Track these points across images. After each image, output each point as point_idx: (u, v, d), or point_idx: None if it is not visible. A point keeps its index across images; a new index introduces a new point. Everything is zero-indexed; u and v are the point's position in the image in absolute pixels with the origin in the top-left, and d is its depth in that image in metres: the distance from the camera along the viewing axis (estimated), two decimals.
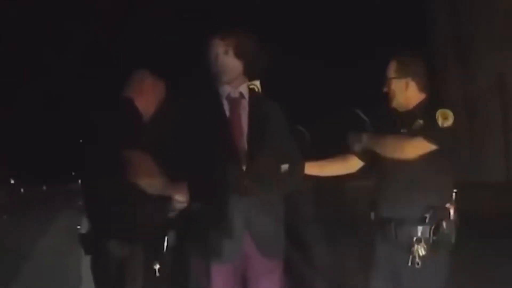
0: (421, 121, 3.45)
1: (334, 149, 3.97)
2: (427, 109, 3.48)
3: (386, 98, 3.60)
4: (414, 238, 3.31)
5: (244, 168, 3.23)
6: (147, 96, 3.56)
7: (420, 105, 3.54)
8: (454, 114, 3.41)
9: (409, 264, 3.29)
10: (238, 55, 3.37)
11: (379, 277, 3.50)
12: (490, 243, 6.35)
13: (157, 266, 3.28)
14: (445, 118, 3.38)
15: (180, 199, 3.22)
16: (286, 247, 3.38)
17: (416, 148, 3.39)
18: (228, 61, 3.36)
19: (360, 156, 3.69)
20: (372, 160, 3.62)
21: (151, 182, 3.20)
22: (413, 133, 3.40)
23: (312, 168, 3.68)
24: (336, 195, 4.14)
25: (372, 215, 3.58)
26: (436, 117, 3.38)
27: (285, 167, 3.37)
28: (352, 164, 3.76)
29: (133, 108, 3.46)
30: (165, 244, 3.29)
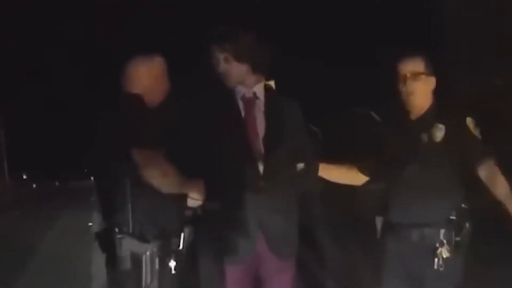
0: (441, 126, 3.41)
1: (345, 149, 3.96)
2: (444, 112, 3.45)
3: (400, 97, 3.55)
4: (438, 241, 3.30)
5: (260, 168, 3.19)
6: (149, 81, 3.34)
7: (432, 108, 3.51)
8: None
9: (435, 267, 3.28)
10: (239, 59, 3.28)
11: (394, 282, 3.47)
12: (497, 242, 6.33)
13: (173, 264, 3.28)
14: (475, 126, 3.37)
15: (196, 196, 3.20)
16: (299, 248, 3.35)
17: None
18: (229, 67, 3.28)
19: (364, 172, 3.68)
20: (378, 174, 3.59)
21: (164, 181, 3.19)
22: (440, 142, 3.37)
23: (322, 170, 3.67)
24: (346, 197, 4.11)
25: (379, 220, 3.56)
26: (468, 124, 3.36)
27: (300, 166, 3.33)
28: (359, 177, 3.69)
29: (135, 102, 3.39)
30: (181, 241, 3.29)
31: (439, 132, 3.38)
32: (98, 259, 3.47)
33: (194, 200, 3.21)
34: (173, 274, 3.24)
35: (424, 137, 3.38)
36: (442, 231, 3.30)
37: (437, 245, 3.28)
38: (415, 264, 3.36)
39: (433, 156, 3.36)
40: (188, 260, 3.34)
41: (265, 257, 3.24)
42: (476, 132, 3.38)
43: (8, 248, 9.14)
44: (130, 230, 3.17)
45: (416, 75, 3.42)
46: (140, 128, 3.22)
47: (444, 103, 3.51)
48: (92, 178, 3.78)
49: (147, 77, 3.39)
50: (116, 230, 3.18)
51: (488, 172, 3.31)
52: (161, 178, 3.15)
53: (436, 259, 3.27)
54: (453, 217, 3.32)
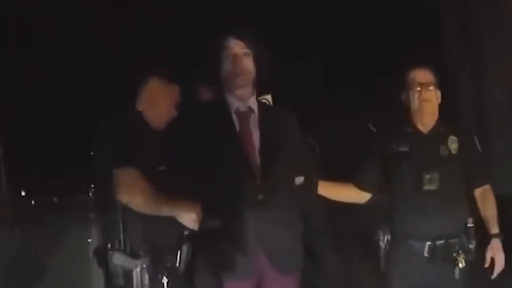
0: (455, 138, 3.43)
1: (344, 163, 3.94)
2: (453, 125, 3.47)
3: (404, 108, 3.54)
4: (455, 251, 3.30)
5: (258, 182, 3.17)
6: (158, 104, 3.49)
7: (441, 120, 3.51)
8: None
9: (456, 277, 3.29)
10: (255, 59, 3.28)
11: None
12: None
13: (165, 280, 3.25)
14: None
15: (188, 220, 3.17)
16: (302, 263, 3.32)
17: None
18: (246, 63, 3.26)
19: (366, 188, 3.65)
20: (380, 190, 3.58)
21: (144, 202, 3.17)
22: (456, 154, 3.39)
23: (323, 189, 3.64)
24: (350, 211, 4.08)
25: (381, 234, 3.54)
26: (475, 140, 3.41)
27: (299, 179, 3.33)
28: (361, 195, 3.71)
29: (137, 123, 3.41)
30: (178, 259, 3.26)
31: (455, 144, 3.40)
32: (97, 275, 3.45)
33: (188, 222, 3.18)
34: None
35: (443, 148, 3.40)
36: (460, 240, 3.32)
37: (455, 254, 3.30)
38: (431, 276, 3.35)
39: (450, 166, 3.38)
40: (184, 276, 3.31)
41: (267, 272, 3.22)
42: (480, 149, 3.45)
43: (7, 264, 9.09)
44: (122, 246, 3.16)
45: (430, 84, 3.44)
46: (133, 148, 3.22)
47: (452, 117, 3.55)
48: (90, 193, 3.77)
49: (160, 100, 3.46)
50: (109, 246, 3.18)
51: (483, 193, 3.53)
52: (137, 198, 3.14)
53: (456, 269, 3.29)
54: (471, 225, 3.35)
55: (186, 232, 3.27)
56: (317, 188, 3.54)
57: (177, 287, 3.30)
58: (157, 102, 3.49)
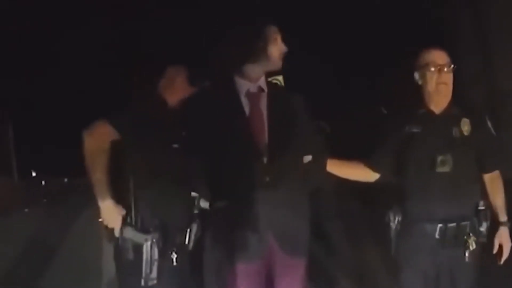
0: (467, 120, 3.41)
1: (355, 144, 3.93)
2: (465, 106, 3.45)
3: (419, 90, 3.52)
4: (466, 233, 3.29)
5: (265, 163, 3.21)
6: (178, 91, 3.60)
7: (454, 103, 3.49)
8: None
9: (466, 260, 3.29)
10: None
11: (416, 279, 3.47)
12: None
13: (174, 256, 3.28)
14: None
15: (109, 217, 3.30)
16: (310, 245, 3.37)
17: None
18: (282, 48, 3.35)
19: (377, 169, 3.65)
20: (391, 171, 3.56)
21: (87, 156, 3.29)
22: (469, 135, 3.40)
23: (332, 166, 3.65)
24: (360, 192, 4.07)
25: (391, 215, 3.54)
26: (487, 122, 3.39)
27: (308, 158, 3.35)
28: (370, 174, 3.72)
29: (156, 101, 3.45)
30: (187, 237, 3.29)
31: (467, 126, 3.39)
32: (108, 253, 3.48)
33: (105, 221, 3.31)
34: (174, 266, 3.25)
35: (456, 130, 3.38)
36: (471, 222, 3.32)
37: (465, 237, 3.29)
38: (442, 259, 3.35)
39: (463, 148, 3.37)
40: (193, 255, 3.34)
41: (275, 255, 3.27)
42: (492, 130, 3.42)
43: (19, 245, 9.15)
44: (133, 222, 3.20)
45: (447, 66, 3.42)
46: (145, 122, 3.24)
47: (464, 98, 3.52)
48: None
49: (178, 85, 3.59)
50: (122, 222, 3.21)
51: (492, 179, 3.58)
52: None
53: (466, 251, 3.29)
54: (482, 207, 3.35)
55: (196, 211, 3.30)
56: (325, 166, 3.56)
57: (186, 263, 3.32)
58: (173, 82, 3.63)
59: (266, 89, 3.37)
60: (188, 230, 3.31)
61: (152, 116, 3.34)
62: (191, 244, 3.34)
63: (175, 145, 3.30)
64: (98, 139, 3.29)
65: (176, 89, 3.61)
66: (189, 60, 3.70)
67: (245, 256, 3.22)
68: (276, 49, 3.32)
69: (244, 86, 3.34)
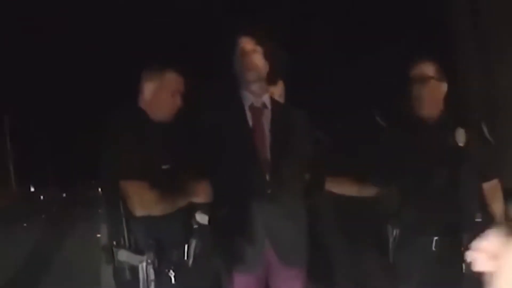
0: (461, 130, 3.40)
1: (351, 154, 3.93)
2: (461, 115, 3.45)
3: (410, 102, 3.51)
4: (463, 246, 3.29)
5: (267, 177, 3.20)
6: (161, 96, 3.33)
7: (447, 112, 3.48)
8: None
9: (464, 271, 3.27)
10: (266, 56, 3.32)
11: None
12: None
13: (172, 274, 3.27)
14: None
15: (201, 200, 3.25)
16: (308, 256, 3.34)
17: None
18: (255, 58, 3.31)
19: (374, 181, 3.64)
20: (389, 182, 3.56)
21: (162, 208, 3.19)
22: (464, 146, 3.36)
23: (331, 184, 3.63)
24: (358, 205, 4.05)
25: (390, 228, 3.53)
26: (483, 128, 3.38)
27: (307, 176, 3.36)
28: (369, 188, 3.68)
29: (139, 121, 3.33)
30: (186, 253, 3.28)
31: (462, 136, 3.38)
32: (107, 269, 3.47)
33: (199, 201, 3.23)
34: (173, 284, 3.23)
35: (448, 141, 3.38)
36: (468, 235, 3.30)
37: (462, 249, 3.28)
38: (439, 271, 3.34)
39: (458, 159, 3.36)
40: (193, 270, 3.33)
41: (274, 266, 3.25)
42: (489, 137, 3.41)
43: (17, 260, 9.14)
44: (126, 243, 3.17)
45: (425, 79, 3.41)
46: (136, 154, 3.17)
47: (459, 108, 3.51)
48: (99, 189, 3.77)
49: (155, 92, 3.36)
50: (114, 242, 3.18)
51: (491, 188, 3.49)
52: (148, 208, 3.15)
53: (463, 264, 3.27)
54: (479, 219, 3.34)
55: (195, 226, 3.29)
56: (324, 184, 3.55)
57: (186, 280, 3.31)
58: (159, 94, 3.34)
59: (269, 106, 3.37)
60: (187, 246, 3.29)
61: (136, 133, 3.26)
62: (191, 260, 3.32)
63: (165, 166, 3.26)
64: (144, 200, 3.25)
65: (161, 102, 3.36)
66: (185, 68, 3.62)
67: (244, 266, 3.20)
68: (243, 60, 3.31)
69: (248, 99, 3.35)
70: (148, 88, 3.34)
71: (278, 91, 3.65)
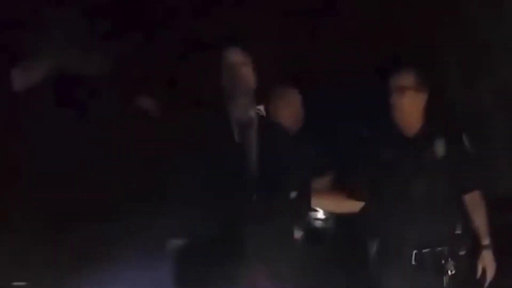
0: (441, 141, 3.37)
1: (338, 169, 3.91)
2: (440, 128, 3.42)
3: (392, 112, 3.49)
4: (444, 258, 3.27)
5: (254, 197, 3.17)
6: None
7: (428, 123, 3.46)
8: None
9: (445, 285, 3.25)
10: (255, 69, 3.29)
11: None
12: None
13: None
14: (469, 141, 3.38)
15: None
16: (297, 276, 3.32)
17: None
18: (245, 71, 3.26)
19: (359, 197, 3.62)
20: (373, 197, 3.53)
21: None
22: (442, 158, 3.37)
23: (317, 201, 3.61)
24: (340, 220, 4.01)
25: (370, 241, 3.51)
26: (464, 139, 3.36)
27: (293, 194, 3.31)
28: (354, 204, 3.66)
29: None
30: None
31: (441, 147, 3.36)
32: None
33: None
34: None
35: (427, 153, 3.35)
36: (448, 247, 3.28)
37: (443, 262, 3.26)
38: (420, 285, 3.32)
39: (437, 171, 3.34)
40: None
41: (262, 285, 3.21)
42: (470, 147, 3.39)
43: None
44: None
45: (404, 90, 3.38)
46: None
47: (440, 118, 3.49)
48: None
49: None
50: None
51: (472, 200, 3.46)
52: None
53: (444, 277, 3.25)
54: (459, 232, 3.31)
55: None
56: (310, 202, 3.51)
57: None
58: None
59: (255, 120, 3.32)
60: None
61: None
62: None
63: None
64: None
65: None
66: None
67: (231, 284, 3.16)
68: (232, 73, 3.27)
69: (235, 114, 3.28)
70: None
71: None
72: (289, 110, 3.82)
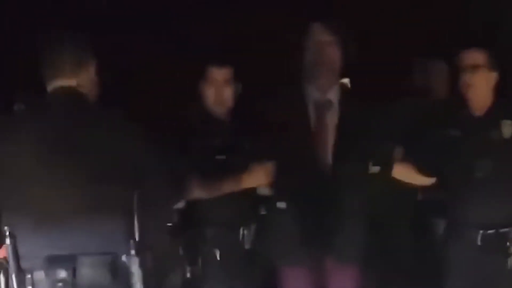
0: (509, 122, 3.33)
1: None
2: (509, 107, 3.37)
3: (460, 92, 3.41)
4: (509, 241, 3.24)
5: (327, 180, 3.14)
6: (219, 92, 3.29)
7: (497, 103, 3.41)
8: None
9: (509, 267, 3.23)
10: (341, 47, 3.16)
11: (462, 286, 3.37)
12: None
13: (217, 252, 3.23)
14: None
15: (262, 176, 3.15)
16: (363, 254, 3.33)
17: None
18: (331, 51, 3.13)
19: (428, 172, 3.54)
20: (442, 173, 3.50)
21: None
22: (508, 140, 3.29)
23: (397, 173, 3.54)
24: (405, 199, 3.98)
25: (440, 222, 3.49)
26: None
27: (375, 169, 3.26)
28: (425, 178, 3.57)
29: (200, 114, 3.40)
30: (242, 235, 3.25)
31: (508, 129, 3.31)
32: None
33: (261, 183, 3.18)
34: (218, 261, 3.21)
35: (494, 133, 3.31)
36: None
37: (508, 244, 3.23)
38: (486, 266, 3.29)
39: (504, 152, 3.29)
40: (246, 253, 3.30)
41: (327, 260, 3.23)
42: None
43: None
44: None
45: (475, 68, 3.33)
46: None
47: (509, 99, 3.43)
48: None
49: (220, 87, 3.32)
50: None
51: None
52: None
53: (508, 259, 3.23)
54: None
55: (263, 212, 3.30)
56: (390, 176, 3.43)
57: (233, 263, 3.26)
58: (218, 90, 3.30)
59: (336, 101, 3.21)
60: (243, 229, 3.23)
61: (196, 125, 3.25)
62: (247, 244, 3.27)
63: (221, 157, 3.20)
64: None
65: (220, 97, 3.30)
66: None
67: (297, 259, 3.19)
68: (317, 52, 3.17)
69: (312, 95, 3.19)
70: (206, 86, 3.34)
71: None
72: None
